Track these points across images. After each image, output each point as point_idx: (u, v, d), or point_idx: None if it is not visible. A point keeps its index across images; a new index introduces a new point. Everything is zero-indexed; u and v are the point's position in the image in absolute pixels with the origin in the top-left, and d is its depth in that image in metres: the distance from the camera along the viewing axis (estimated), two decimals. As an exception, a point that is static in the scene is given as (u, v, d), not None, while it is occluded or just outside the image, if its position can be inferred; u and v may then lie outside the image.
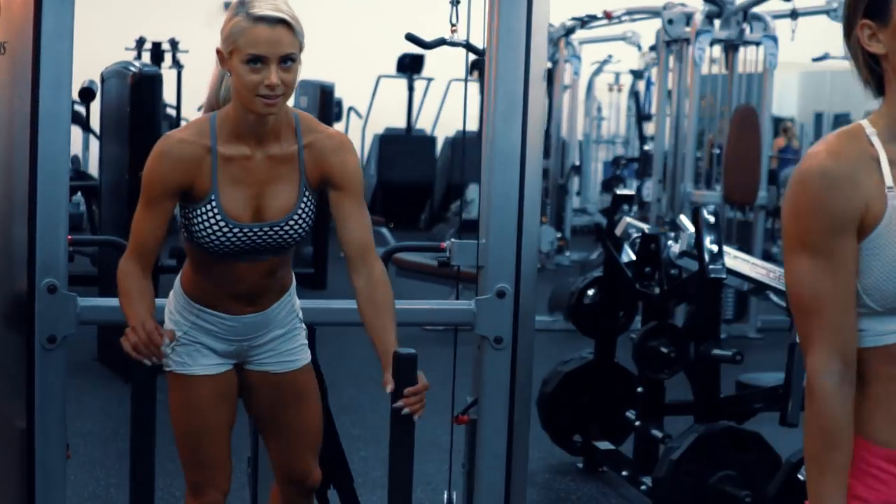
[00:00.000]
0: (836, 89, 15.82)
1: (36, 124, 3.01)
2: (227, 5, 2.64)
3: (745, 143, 7.67)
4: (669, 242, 4.47)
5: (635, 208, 8.77)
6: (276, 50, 2.54)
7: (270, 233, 2.70)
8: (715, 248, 4.05)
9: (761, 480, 3.98)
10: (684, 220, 5.12)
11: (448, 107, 13.81)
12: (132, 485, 2.62)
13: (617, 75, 14.78)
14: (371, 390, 5.91)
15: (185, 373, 2.82)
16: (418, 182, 13.15)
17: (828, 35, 6.78)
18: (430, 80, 13.28)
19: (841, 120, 14.44)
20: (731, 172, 7.73)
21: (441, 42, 3.99)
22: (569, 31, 10.73)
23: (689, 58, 7.89)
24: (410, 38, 3.94)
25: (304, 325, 2.98)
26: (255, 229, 2.69)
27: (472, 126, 14.00)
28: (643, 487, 4.47)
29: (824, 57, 9.42)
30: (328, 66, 10.00)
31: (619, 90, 15.04)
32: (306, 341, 2.98)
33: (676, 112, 8.37)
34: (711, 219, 4.08)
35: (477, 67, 13.95)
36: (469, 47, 3.91)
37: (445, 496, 4.06)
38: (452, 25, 3.54)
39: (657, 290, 4.48)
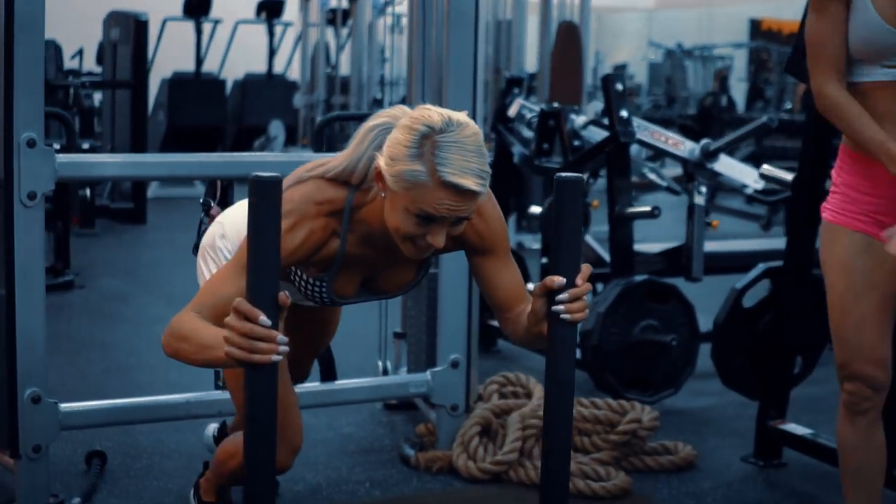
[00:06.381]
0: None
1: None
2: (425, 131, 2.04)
3: (569, 54, 8.04)
4: (572, 115, 4.66)
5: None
6: (455, 214, 2.10)
7: (373, 298, 2.50)
8: (625, 114, 4.27)
9: (680, 327, 4.25)
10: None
11: (234, 49, 13.63)
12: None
13: (397, 17, 14.92)
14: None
15: None
16: (209, 125, 12.98)
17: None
18: (217, 21, 13.06)
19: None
20: (558, 78, 8.08)
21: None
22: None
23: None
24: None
25: None
26: (358, 299, 2.46)
27: (261, 67, 13.97)
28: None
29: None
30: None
31: (401, 32, 15.17)
32: None
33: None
34: (619, 87, 4.29)
35: (265, 8, 13.88)
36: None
37: (380, 364, 4.19)
38: None
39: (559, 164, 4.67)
